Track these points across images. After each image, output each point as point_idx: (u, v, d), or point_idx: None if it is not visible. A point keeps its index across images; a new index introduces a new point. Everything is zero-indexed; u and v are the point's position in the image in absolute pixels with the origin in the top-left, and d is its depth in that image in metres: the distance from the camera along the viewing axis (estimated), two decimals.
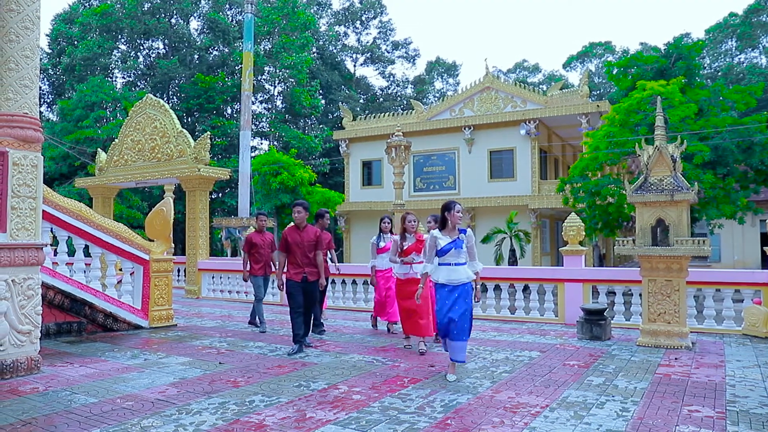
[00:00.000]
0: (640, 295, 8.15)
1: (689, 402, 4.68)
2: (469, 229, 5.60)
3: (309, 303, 7.05)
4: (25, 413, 4.38)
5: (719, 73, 39.41)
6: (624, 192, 13.29)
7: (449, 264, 5.52)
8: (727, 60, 41.49)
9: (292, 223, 7.14)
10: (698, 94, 18.04)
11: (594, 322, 7.78)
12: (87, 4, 38.28)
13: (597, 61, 48.75)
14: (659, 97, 9.40)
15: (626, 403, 4.63)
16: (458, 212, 5.62)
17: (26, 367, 5.65)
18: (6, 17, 5.75)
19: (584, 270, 9.56)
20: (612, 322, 8.47)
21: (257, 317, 8.95)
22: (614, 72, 22.04)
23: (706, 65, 39.62)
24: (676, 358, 6.47)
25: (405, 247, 7.06)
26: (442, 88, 52.72)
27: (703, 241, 6.96)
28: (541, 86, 47.34)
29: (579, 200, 18.42)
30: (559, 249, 10.97)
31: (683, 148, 7.48)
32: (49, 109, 38.26)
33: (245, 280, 9.16)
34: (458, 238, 5.50)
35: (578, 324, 7.97)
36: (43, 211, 6.20)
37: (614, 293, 9.41)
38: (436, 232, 5.72)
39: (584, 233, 10.16)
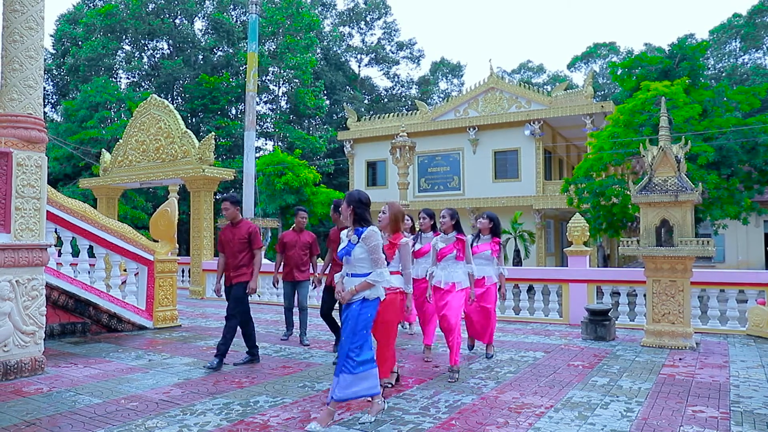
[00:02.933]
0: (645, 295, 8.12)
1: (693, 402, 4.66)
2: (369, 228, 4.19)
3: (233, 305, 6.24)
4: (29, 414, 4.39)
5: (723, 74, 39.27)
6: (628, 192, 13.27)
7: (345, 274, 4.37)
8: (732, 61, 41.32)
9: (226, 223, 6.48)
10: (702, 94, 17.99)
11: (598, 322, 7.76)
12: (91, 5, 38.40)
13: (601, 62, 48.63)
14: (663, 97, 9.38)
15: (630, 404, 4.61)
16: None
17: (30, 367, 5.66)
18: (10, 18, 5.77)
19: (588, 270, 9.53)
20: (616, 322, 8.45)
21: (290, 326, 8.01)
22: (618, 72, 21.99)
23: (710, 66, 39.47)
24: (680, 359, 6.45)
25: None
26: (447, 89, 52.71)
27: (707, 242, 6.93)
28: (545, 87, 47.30)
29: (583, 201, 18.38)
30: (564, 249, 10.95)
31: (687, 148, 7.46)
32: (53, 109, 38.40)
33: (274, 285, 8.68)
34: (350, 241, 4.24)
35: (583, 324, 7.95)
36: (47, 211, 6.22)
37: (618, 294, 9.38)
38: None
39: (588, 234, 10.16)
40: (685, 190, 7.09)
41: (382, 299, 4.24)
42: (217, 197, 17.92)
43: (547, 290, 10.20)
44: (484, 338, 6.58)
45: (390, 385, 5.02)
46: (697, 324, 8.33)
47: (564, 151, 27.69)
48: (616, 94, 25.53)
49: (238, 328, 6.20)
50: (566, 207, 20.71)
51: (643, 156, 7.65)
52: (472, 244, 6.31)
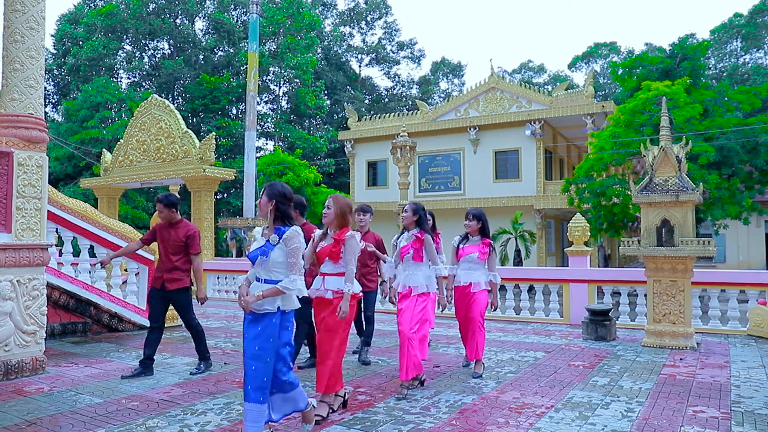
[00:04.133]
0: (645, 295, 8.12)
1: (694, 402, 4.65)
2: (291, 229, 3.65)
3: (180, 315, 5.86)
4: (30, 413, 4.40)
5: (724, 74, 39.23)
6: (629, 192, 13.26)
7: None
8: (732, 60, 41.29)
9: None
10: (703, 94, 17.98)
11: (599, 322, 7.76)
12: (92, 5, 38.42)
13: (602, 62, 48.62)
14: (664, 97, 9.39)
15: (631, 404, 4.61)
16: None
17: (31, 367, 5.66)
18: (11, 18, 5.77)
19: (589, 270, 9.53)
20: (617, 322, 8.45)
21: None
22: (619, 72, 21.98)
23: (711, 66, 39.44)
24: (681, 359, 6.44)
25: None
26: (448, 89, 52.71)
27: (708, 242, 6.93)
28: (546, 87, 47.30)
29: (584, 201, 18.38)
30: (564, 249, 10.95)
31: (688, 148, 7.46)
32: (54, 109, 38.44)
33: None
34: (268, 241, 3.68)
35: (583, 324, 7.95)
36: (48, 211, 6.22)
37: (619, 294, 9.38)
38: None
39: (589, 234, 10.15)
40: (686, 190, 7.09)
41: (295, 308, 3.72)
42: (218, 197, 17.93)
43: (547, 290, 10.19)
44: (470, 353, 5.72)
45: (321, 418, 4.08)
46: (698, 324, 8.33)
47: (565, 151, 27.68)
48: (617, 93, 25.51)
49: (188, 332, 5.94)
50: (567, 207, 20.71)
51: (644, 156, 7.65)
52: (458, 246, 5.76)
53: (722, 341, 7.65)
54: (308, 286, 4.76)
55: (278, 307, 3.57)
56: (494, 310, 5.74)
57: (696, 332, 7.60)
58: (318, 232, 4.45)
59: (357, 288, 4.28)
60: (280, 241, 3.62)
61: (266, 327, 3.55)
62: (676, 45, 20.76)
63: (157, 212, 6.01)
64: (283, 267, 3.61)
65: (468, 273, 5.61)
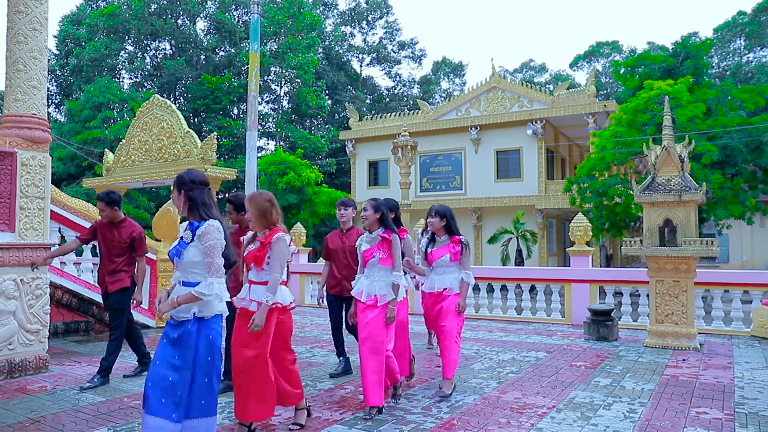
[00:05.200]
0: (648, 295, 8.11)
1: (697, 404, 4.65)
2: (207, 223, 3.20)
3: (110, 316, 5.50)
4: (33, 411, 4.41)
5: (728, 72, 39.13)
6: (631, 192, 13.21)
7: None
8: (736, 59, 41.18)
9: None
10: (706, 93, 17.93)
11: (601, 322, 7.75)
12: (94, 6, 38.48)
13: (604, 61, 48.54)
14: (667, 96, 9.37)
15: (633, 405, 4.60)
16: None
17: (35, 365, 5.68)
18: (14, 19, 5.79)
19: (591, 270, 9.52)
20: (619, 322, 8.44)
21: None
22: (621, 71, 21.93)
23: (714, 64, 39.33)
24: (683, 360, 6.43)
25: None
26: (449, 88, 52.66)
27: (711, 242, 6.92)
28: (547, 86, 47.22)
29: (586, 200, 18.35)
30: (566, 249, 10.94)
31: (691, 147, 7.45)
32: (56, 109, 38.50)
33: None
34: (182, 238, 3.28)
35: (585, 325, 7.94)
36: (51, 211, 6.23)
37: (621, 294, 9.37)
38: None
39: (591, 233, 10.13)
40: (689, 189, 7.07)
41: (225, 315, 3.31)
42: (220, 197, 17.93)
43: (549, 290, 10.18)
44: (443, 369, 4.91)
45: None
46: (701, 325, 8.31)
47: (566, 151, 27.64)
48: (619, 93, 25.46)
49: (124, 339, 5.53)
50: (569, 207, 20.68)
51: (647, 155, 7.64)
52: (426, 250, 5.11)
53: (725, 342, 7.63)
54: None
55: (194, 314, 3.13)
56: (459, 312, 4.91)
57: (699, 333, 7.58)
58: (248, 234, 3.95)
59: (286, 299, 3.74)
60: (194, 237, 3.16)
61: (182, 335, 3.13)
62: (678, 44, 20.68)
63: (99, 212, 5.60)
64: (201, 267, 3.16)
65: (441, 278, 4.96)
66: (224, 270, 3.24)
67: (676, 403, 4.64)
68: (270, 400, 3.73)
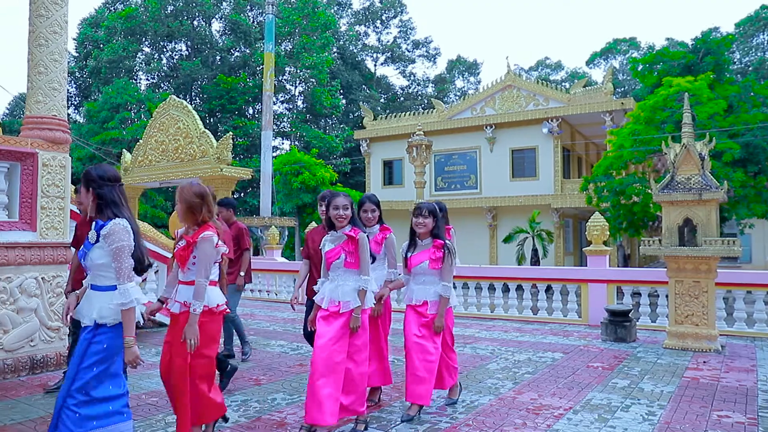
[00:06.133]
0: (667, 296, 8.00)
1: (719, 407, 4.57)
2: (112, 222, 2.92)
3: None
4: (50, 408, 4.47)
5: (750, 68, 38.43)
6: (650, 191, 13.03)
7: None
8: (759, 54, 40.41)
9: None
10: (728, 89, 17.63)
11: (619, 323, 7.66)
12: (112, 8, 38.99)
13: (621, 58, 47.96)
14: (686, 93, 9.22)
15: (652, 407, 4.54)
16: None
17: (55, 362, 5.78)
18: (36, 22, 5.88)
19: (608, 270, 9.41)
20: (637, 323, 8.33)
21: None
22: (639, 68, 21.65)
23: (736, 60, 38.66)
24: (704, 362, 6.33)
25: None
26: (463, 87, 52.45)
27: (733, 242, 6.80)
28: (563, 84, 46.81)
29: (603, 199, 18.16)
30: (583, 249, 10.84)
31: (712, 145, 7.34)
32: (76, 111, 39.06)
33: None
34: (87, 239, 3.04)
35: (602, 325, 7.86)
36: (70, 210, 6.32)
37: (639, 294, 9.25)
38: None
39: (608, 233, 10.01)
40: (710, 188, 6.96)
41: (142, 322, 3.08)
42: (235, 196, 18.06)
43: (565, 290, 10.09)
44: (418, 393, 4.11)
45: None
46: (723, 326, 8.17)
47: (583, 149, 27.38)
48: (637, 90, 25.15)
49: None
50: (585, 206, 20.49)
51: (665, 153, 7.54)
52: (406, 255, 4.41)
53: (748, 344, 7.49)
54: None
55: (94, 320, 2.88)
56: (436, 333, 4.21)
57: (720, 335, 7.46)
58: (180, 230, 3.65)
59: (212, 300, 3.41)
60: (99, 238, 2.91)
61: (93, 338, 2.88)
62: (698, 39, 20.35)
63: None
64: (110, 271, 2.90)
65: (423, 288, 4.28)
66: (136, 273, 2.99)
67: (697, 406, 4.57)
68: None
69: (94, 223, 2.99)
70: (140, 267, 3.02)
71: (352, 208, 3.96)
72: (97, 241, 2.92)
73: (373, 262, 4.23)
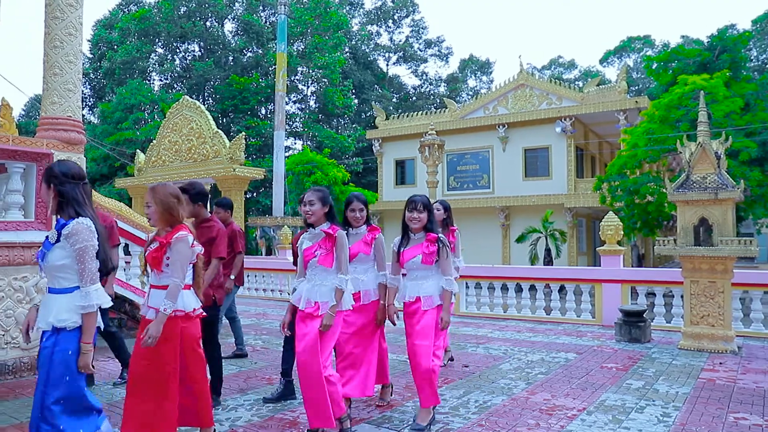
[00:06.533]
0: (682, 296, 7.90)
1: (735, 409, 4.50)
2: (75, 221, 2.79)
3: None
4: None
5: (767, 66, 37.90)
6: (664, 190, 12.90)
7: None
8: None
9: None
10: (744, 87, 17.40)
11: (633, 323, 7.59)
12: (126, 10, 39.38)
13: (635, 56, 47.50)
14: (702, 91, 9.10)
15: (667, 408, 4.49)
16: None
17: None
18: (51, 24, 5.94)
19: (623, 270, 9.33)
20: (652, 324, 8.25)
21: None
22: (654, 67, 21.45)
23: (752, 57, 38.08)
24: (720, 363, 6.25)
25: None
26: (476, 86, 52.29)
27: (750, 242, 6.70)
28: (577, 83, 46.47)
29: (617, 199, 18.02)
30: (597, 249, 10.74)
31: (728, 144, 7.23)
32: (90, 111, 39.50)
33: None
34: (47, 238, 2.89)
35: (616, 326, 7.79)
36: None
37: (654, 294, 9.15)
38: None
39: (622, 233, 9.92)
40: (726, 187, 6.87)
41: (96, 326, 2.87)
42: (248, 196, 18.17)
43: (579, 290, 10.02)
44: (419, 398, 4.03)
45: None
46: (739, 327, 8.05)
47: (596, 149, 27.17)
48: (651, 89, 24.93)
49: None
50: (599, 205, 20.34)
51: (680, 152, 7.45)
52: (399, 250, 4.20)
53: (766, 345, 7.38)
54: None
55: (52, 325, 2.74)
56: (442, 329, 4.02)
57: (737, 336, 7.35)
58: (151, 234, 3.53)
59: (188, 304, 3.31)
60: (60, 238, 2.75)
61: (55, 347, 2.73)
62: (714, 36, 20.11)
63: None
64: (70, 271, 2.76)
65: (415, 284, 4.09)
66: (100, 275, 2.88)
67: (713, 408, 4.51)
68: (170, 420, 3.23)
69: (57, 222, 2.84)
70: (104, 270, 2.90)
71: (331, 203, 3.85)
72: (57, 240, 2.76)
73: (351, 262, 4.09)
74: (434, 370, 3.90)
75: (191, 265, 3.37)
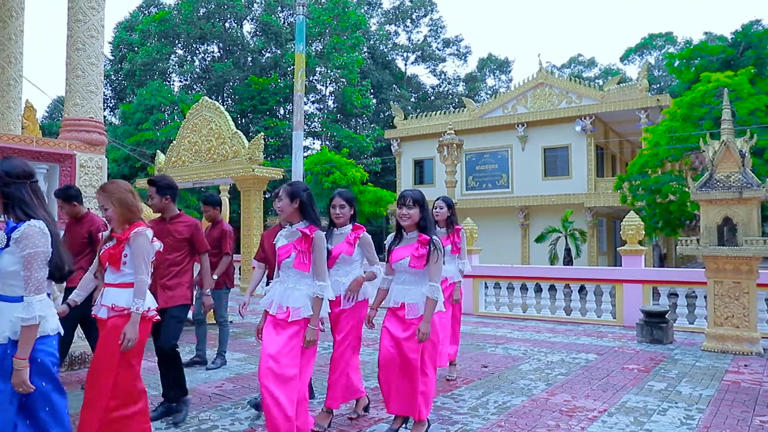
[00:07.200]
0: (705, 297, 7.77)
1: (761, 412, 4.41)
2: (26, 224, 2.54)
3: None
4: None
5: None
6: (687, 189, 12.69)
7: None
8: None
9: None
10: None
11: (655, 324, 7.48)
12: (146, 12, 39.92)
13: (657, 53, 46.79)
14: (726, 89, 8.93)
15: (691, 411, 4.41)
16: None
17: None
18: (74, 27, 6.05)
19: (644, 270, 9.20)
20: (674, 325, 8.12)
21: None
22: (676, 64, 21.12)
23: None
24: (745, 365, 6.13)
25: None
26: (494, 85, 51.97)
27: None
28: (597, 81, 45.89)
29: (638, 198, 17.78)
30: (618, 249, 10.61)
31: (753, 142, 7.11)
32: (111, 113, 40.11)
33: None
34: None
35: (638, 326, 7.68)
36: None
37: (676, 295, 9.01)
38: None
39: (644, 232, 9.79)
40: (751, 186, 6.73)
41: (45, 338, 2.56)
42: (267, 196, 18.29)
43: (599, 290, 9.91)
44: (395, 406, 3.74)
45: None
46: (765, 329, 7.88)
47: (617, 147, 26.83)
48: (673, 86, 24.52)
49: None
50: (619, 205, 20.09)
51: (704, 151, 7.32)
52: (390, 248, 3.86)
53: None
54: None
55: (8, 338, 2.49)
56: (420, 341, 3.59)
57: (762, 337, 7.20)
58: (107, 232, 3.33)
59: (150, 303, 3.17)
60: (10, 242, 2.52)
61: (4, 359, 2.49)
62: (738, 33, 19.70)
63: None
64: (19, 279, 2.52)
65: (402, 289, 3.74)
66: (58, 281, 2.69)
67: (738, 411, 4.42)
68: None
69: (5, 224, 2.59)
70: (59, 274, 2.66)
71: (303, 199, 3.42)
72: (7, 245, 2.51)
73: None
74: (430, 383, 3.67)
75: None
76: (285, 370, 3.16)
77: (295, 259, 3.33)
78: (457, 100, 45.37)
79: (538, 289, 10.24)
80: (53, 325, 2.59)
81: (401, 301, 3.70)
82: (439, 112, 29.44)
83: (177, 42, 38.64)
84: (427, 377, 3.69)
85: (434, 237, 3.70)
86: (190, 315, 5.94)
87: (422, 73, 50.06)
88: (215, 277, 5.76)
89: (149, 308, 3.17)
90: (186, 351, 6.79)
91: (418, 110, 40.56)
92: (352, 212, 4.10)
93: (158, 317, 3.34)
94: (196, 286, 5.68)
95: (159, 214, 4.60)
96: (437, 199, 5.50)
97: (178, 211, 4.51)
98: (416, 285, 3.68)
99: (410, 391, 3.63)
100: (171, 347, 4.22)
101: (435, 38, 48.65)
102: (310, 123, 39.12)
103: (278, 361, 3.17)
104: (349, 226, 4.09)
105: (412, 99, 45.84)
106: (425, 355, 3.69)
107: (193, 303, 5.75)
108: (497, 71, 52.69)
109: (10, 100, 8.61)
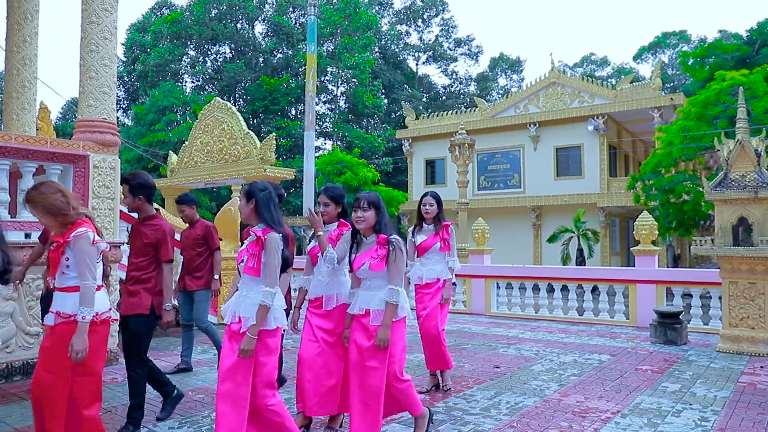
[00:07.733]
0: (720, 298, 7.68)
1: None
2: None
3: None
4: (106, 401, 4.61)
5: None
6: (701, 189, 12.55)
7: None
8: None
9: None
10: None
11: (668, 325, 7.41)
12: (159, 14, 40.25)
13: (670, 52, 46.31)
14: (741, 87, 8.83)
15: (705, 413, 4.36)
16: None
17: (108, 358, 5.98)
18: (87, 29, 6.10)
19: (658, 271, 9.11)
20: (688, 326, 8.04)
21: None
22: (690, 62, 20.94)
23: None
24: (761, 367, 6.04)
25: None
26: (506, 85, 51.75)
27: None
28: (609, 80, 45.54)
29: (651, 198, 17.63)
30: (631, 249, 10.52)
31: None
32: (124, 114, 40.48)
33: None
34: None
35: (651, 327, 7.61)
36: (120, 211, 6.54)
37: (690, 296, 8.91)
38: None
39: (657, 232, 9.69)
40: (766, 185, 6.64)
41: None
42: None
43: (612, 291, 9.83)
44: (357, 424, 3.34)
45: None
46: None
47: (630, 147, 26.61)
48: (687, 85, 24.29)
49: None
50: (632, 205, 19.92)
51: (718, 150, 7.24)
52: (350, 257, 3.62)
53: None
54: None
55: None
56: (381, 348, 3.32)
57: None
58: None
59: (101, 306, 2.99)
60: None
61: None
62: (754, 30, 19.50)
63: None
64: None
65: (368, 295, 3.47)
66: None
67: (754, 413, 4.36)
68: None
69: None
70: (1, 274, 2.58)
71: (258, 199, 3.18)
72: None
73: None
74: (374, 392, 3.32)
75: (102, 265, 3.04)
76: (238, 390, 2.95)
77: (246, 264, 3.09)
78: (468, 100, 45.24)
79: (551, 290, 10.18)
80: None
81: (366, 307, 3.43)
82: (450, 112, 29.38)
83: (189, 43, 38.91)
84: (403, 383, 3.49)
85: (393, 237, 3.47)
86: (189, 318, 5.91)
87: (434, 73, 49.91)
88: (216, 277, 5.69)
89: (98, 312, 2.96)
90: (198, 351, 6.83)
91: (430, 110, 40.49)
92: (339, 210, 3.96)
93: (114, 318, 3.17)
94: (176, 292, 5.63)
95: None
96: (425, 195, 5.16)
97: (154, 212, 4.16)
98: (380, 290, 3.42)
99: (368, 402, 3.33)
100: (133, 363, 3.92)
101: (446, 38, 48.56)
102: (321, 123, 39.21)
103: (230, 379, 2.96)
104: (335, 224, 3.97)
105: (424, 99, 45.78)
106: (394, 366, 3.42)
107: (180, 307, 5.83)
108: (509, 71, 52.45)
109: (25, 102, 8.72)
